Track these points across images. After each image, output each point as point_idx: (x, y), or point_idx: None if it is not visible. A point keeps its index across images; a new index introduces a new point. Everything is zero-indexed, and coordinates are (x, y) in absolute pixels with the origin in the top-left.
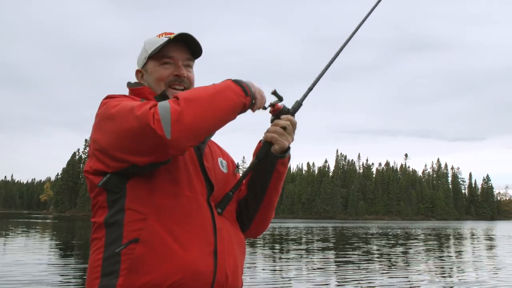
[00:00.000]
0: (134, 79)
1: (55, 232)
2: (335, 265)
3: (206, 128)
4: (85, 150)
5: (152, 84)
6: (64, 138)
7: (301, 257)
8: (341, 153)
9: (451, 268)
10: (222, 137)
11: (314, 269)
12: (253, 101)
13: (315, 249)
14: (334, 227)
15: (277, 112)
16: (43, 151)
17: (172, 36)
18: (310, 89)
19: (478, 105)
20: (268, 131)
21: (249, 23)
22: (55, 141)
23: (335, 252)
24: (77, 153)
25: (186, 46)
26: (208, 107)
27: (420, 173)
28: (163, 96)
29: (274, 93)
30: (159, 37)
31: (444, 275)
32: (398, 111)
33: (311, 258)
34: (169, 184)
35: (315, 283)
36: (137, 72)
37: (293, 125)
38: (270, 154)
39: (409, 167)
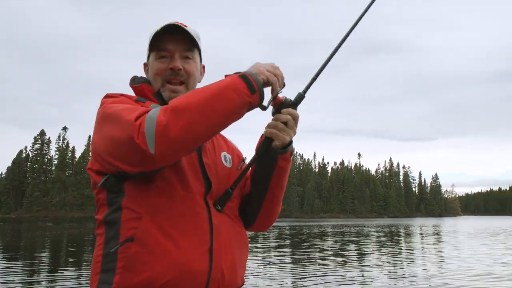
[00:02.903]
0: (95, 76)
1: None
2: (291, 262)
3: (197, 138)
4: (33, 148)
5: (151, 78)
6: (9, 135)
7: (257, 256)
8: (297, 152)
9: (401, 263)
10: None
11: (271, 266)
12: (262, 96)
13: (271, 247)
14: (290, 225)
15: (279, 104)
16: None
17: (158, 29)
18: (314, 79)
19: (427, 107)
20: (268, 126)
21: (210, 22)
22: None
23: (291, 250)
24: (24, 151)
25: (183, 37)
26: (200, 116)
27: (373, 172)
28: (159, 95)
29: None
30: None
31: (396, 269)
32: (353, 112)
33: (267, 256)
34: (163, 183)
35: (272, 279)
36: (144, 65)
37: (295, 118)
38: (271, 150)
39: (362, 166)
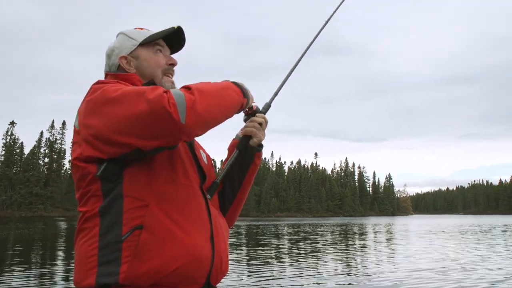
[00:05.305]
0: (44, 69)
1: None
2: (247, 260)
3: (214, 119)
4: None
5: (146, 69)
6: None
7: None
8: None
9: (355, 260)
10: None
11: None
12: (249, 102)
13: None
14: (247, 225)
15: (252, 111)
16: None
17: (176, 26)
18: (276, 93)
19: (381, 108)
20: (247, 126)
21: (160, 13)
22: None
23: (246, 248)
24: None
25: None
26: (217, 101)
27: (329, 172)
28: (150, 84)
29: None
30: (140, 30)
31: (349, 266)
32: (309, 112)
33: None
34: (167, 171)
35: (227, 278)
36: (122, 58)
37: (266, 123)
38: (248, 147)
39: (319, 165)
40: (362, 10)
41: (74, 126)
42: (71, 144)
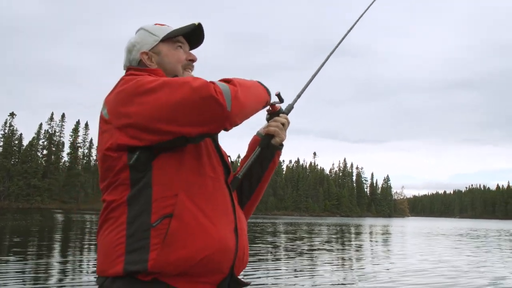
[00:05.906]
0: (45, 62)
1: None
2: None
3: (251, 111)
4: None
5: (168, 65)
6: None
7: None
8: None
9: (350, 259)
10: None
11: None
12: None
13: None
14: None
15: (275, 111)
16: None
17: (196, 23)
18: (299, 96)
19: (381, 110)
20: (270, 126)
21: (161, 12)
22: None
23: None
24: None
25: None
26: (253, 94)
27: (327, 171)
28: None
29: (278, 95)
30: (160, 26)
31: (344, 265)
32: (309, 112)
33: None
34: (195, 163)
35: None
36: (143, 53)
37: (288, 123)
38: (270, 146)
39: (317, 165)
40: (362, 11)
41: (101, 115)
42: (100, 133)
